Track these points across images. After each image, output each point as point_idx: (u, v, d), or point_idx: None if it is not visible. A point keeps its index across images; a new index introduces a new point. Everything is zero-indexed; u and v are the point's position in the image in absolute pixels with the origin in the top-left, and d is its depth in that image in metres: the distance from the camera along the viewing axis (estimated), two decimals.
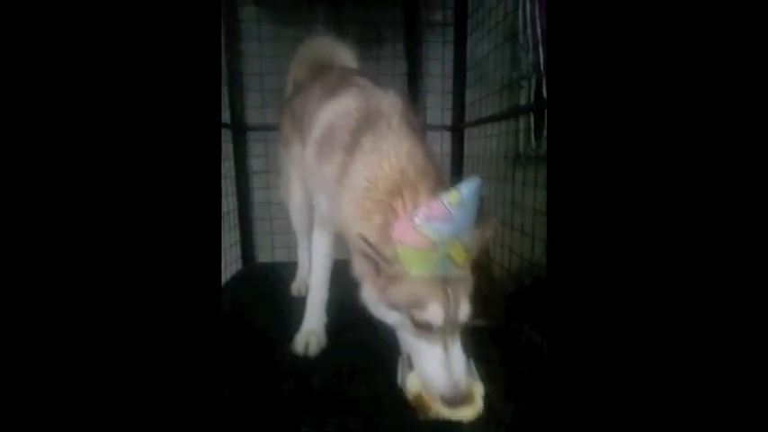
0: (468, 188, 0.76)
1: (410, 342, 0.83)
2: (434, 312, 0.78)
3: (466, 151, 1.92)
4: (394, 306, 0.82)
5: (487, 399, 0.83)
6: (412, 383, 0.84)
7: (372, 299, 0.86)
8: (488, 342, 1.09)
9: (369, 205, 0.87)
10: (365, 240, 0.80)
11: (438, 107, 1.97)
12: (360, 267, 0.88)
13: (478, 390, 0.83)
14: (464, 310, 0.81)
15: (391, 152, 0.89)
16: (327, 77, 1.23)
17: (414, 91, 1.96)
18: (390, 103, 1.00)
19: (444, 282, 0.80)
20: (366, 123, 0.95)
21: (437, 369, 0.79)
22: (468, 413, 0.80)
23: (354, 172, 0.91)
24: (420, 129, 1.05)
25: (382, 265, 0.81)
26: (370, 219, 0.86)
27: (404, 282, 0.80)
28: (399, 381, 0.89)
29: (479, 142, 1.74)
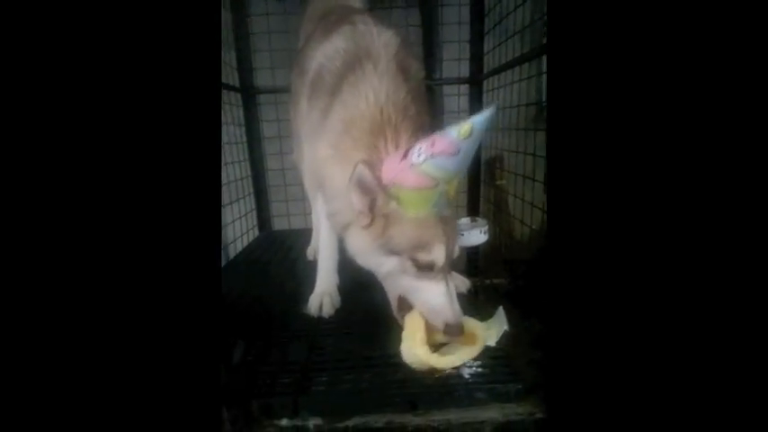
0: (482, 119, 0.70)
1: (410, 284, 0.82)
2: (438, 252, 0.78)
3: (485, 105, 1.81)
4: (394, 250, 0.80)
5: (506, 357, 0.83)
6: (418, 352, 0.78)
7: (365, 246, 0.82)
8: (508, 300, 1.04)
9: (347, 144, 0.83)
10: (368, 167, 0.74)
11: (455, 59, 1.84)
12: (345, 212, 0.82)
13: (481, 332, 0.85)
14: (457, 248, 0.83)
15: (369, 91, 0.86)
16: (328, 19, 1.15)
17: (428, 42, 1.84)
18: (383, 43, 0.93)
19: (442, 221, 0.79)
20: (351, 65, 0.90)
21: (444, 302, 0.80)
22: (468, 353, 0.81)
23: (332, 114, 0.87)
24: (416, 72, 0.99)
25: (381, 201, 0.76)
26: (350, 157, 0.81)
27: (404, 223, 0.77)
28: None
29: (499, 93, 1.62)
